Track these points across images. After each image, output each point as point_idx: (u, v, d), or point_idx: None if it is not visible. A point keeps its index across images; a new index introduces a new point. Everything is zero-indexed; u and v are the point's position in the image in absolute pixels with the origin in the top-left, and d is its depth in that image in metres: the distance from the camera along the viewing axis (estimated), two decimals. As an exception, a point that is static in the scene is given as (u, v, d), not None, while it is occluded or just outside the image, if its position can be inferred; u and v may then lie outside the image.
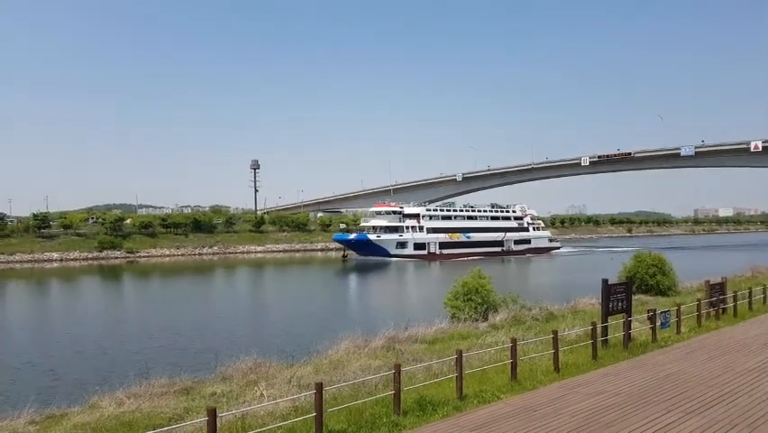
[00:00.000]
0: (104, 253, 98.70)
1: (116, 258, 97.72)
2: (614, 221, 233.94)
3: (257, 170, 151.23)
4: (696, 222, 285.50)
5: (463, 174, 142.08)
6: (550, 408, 10.10)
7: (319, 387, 8.64)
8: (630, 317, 16.49)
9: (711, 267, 51.30)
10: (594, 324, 14.75)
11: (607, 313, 15.82)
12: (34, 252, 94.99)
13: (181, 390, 13.13)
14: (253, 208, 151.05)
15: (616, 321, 16.43)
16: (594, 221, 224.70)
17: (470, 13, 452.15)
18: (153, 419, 10.66)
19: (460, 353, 11.01)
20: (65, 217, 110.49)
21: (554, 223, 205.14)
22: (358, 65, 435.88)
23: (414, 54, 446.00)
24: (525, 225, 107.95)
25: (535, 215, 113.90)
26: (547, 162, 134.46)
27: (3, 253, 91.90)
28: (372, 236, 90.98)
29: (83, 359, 24.08)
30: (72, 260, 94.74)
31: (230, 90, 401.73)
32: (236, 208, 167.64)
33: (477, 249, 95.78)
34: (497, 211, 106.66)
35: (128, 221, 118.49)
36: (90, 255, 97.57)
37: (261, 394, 11.55)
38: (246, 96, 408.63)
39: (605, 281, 15.96)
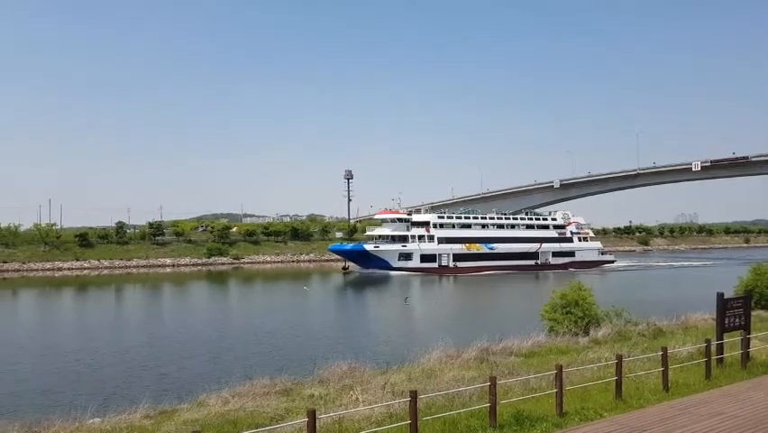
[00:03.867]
0: (212, 259, 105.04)
1: (223, 264, 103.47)
2: (729, 231, 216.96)
3: (350, 180, 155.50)
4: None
5: (561, 181, 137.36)
6: (659, 429, 9.48)
7: (414, 395, 8.64)
8: (749, 334, 15.19)
9: None
10: (708, 341, 13.71)
11: (722, 330, 14.65)
12: (149, 257, 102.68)
13: (282, 390, 13.65)
14: (347, 217, 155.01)
15: (732, 338, 15.19)
16: (707, 230, 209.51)
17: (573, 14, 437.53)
18: (256, 417, 11.14)
19: (560, 368, 10.61)
20: (177, 226, 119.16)
21: (662, 232, 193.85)
22: (448, 68, 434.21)
23: (509, 55, 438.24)
24: (569, 234, 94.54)
25: (583, 223, 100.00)
26: (654, 168, 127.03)
27: (122, 259, 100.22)
28: (369, 247, 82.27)
29: (192, 359, 25.69)
30: (183, 265, 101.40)
31: (324, 98, 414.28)
32: (331, 217, 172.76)
33: (504, 262, 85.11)
34: (531, 219, 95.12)
35: (234, 229, 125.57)
36: (200, 261, 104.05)
37: (357, 399, 11.74)
38: (340, 104, 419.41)
39: (720, 295, 14.80)
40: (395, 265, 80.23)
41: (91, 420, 11.99)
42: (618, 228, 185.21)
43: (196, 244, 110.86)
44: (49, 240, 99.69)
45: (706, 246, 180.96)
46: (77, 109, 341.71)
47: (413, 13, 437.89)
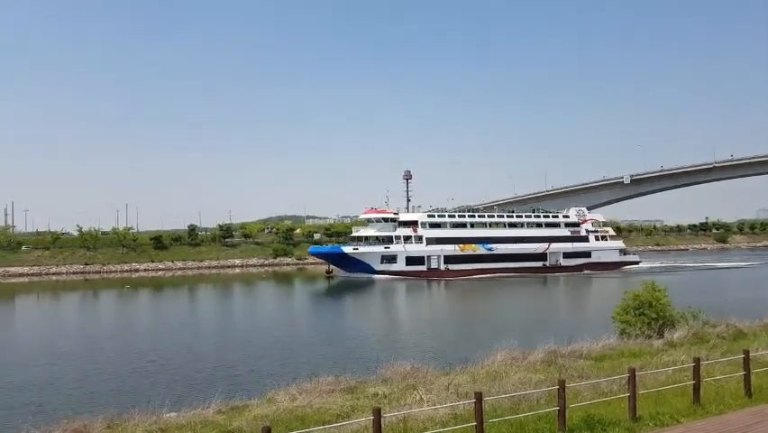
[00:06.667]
0: (277, 260, 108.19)
1: (288, 265, 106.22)
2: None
3: (409, 181, 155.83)
4: None
5: (631, 176, 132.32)
6: (741, 437, 8.97)
7: (479, 397, 8.55)
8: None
9: None
10: (796, 344, 12.86)
11: (812, 333, 13.70)
12: (219, 258, 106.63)
13: (346, 388, 13.85)
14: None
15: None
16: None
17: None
18: (322, 414, 11.36)
19: (633, 371, 10.23)
20: (245, 228, 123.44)
21: (742, 229, 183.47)
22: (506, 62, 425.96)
23: (580, 52, 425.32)
24: (584, 233, 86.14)
25: (601, 220, 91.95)
26: (732, 161, 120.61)
27: (194, 260, 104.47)
28: (347, 249, 76.97)
29: (261, 359, 26.53)
30: (251, 266, 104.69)
31: (382, 100, 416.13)
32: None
33: (505, 264, 78.15)
34: (539, 216, 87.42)
35: (297, 231, 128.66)
36: (266, 262, 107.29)
37: (421, 398, 11.73)
38: (400, 103, 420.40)
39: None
40: (377, 268, 75.02)
41: (167, 415, 12.55)
42: (694, 225, 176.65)
43: (262, 246, 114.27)
44: (126, 243, 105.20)
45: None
46: (153, 117, 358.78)
47: (476, 12, 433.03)
